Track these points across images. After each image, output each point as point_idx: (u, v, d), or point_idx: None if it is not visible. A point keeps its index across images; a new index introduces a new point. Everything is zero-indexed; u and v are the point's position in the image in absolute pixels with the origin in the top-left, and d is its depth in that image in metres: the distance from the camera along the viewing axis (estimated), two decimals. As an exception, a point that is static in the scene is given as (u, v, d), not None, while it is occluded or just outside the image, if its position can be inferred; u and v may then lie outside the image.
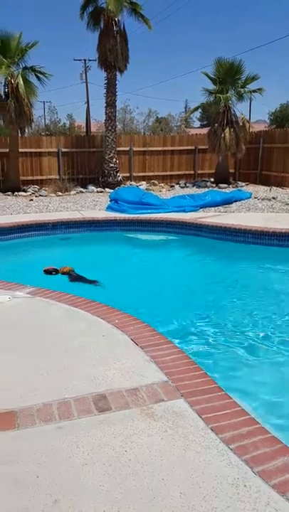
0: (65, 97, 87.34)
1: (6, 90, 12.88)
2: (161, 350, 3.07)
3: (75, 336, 3.37)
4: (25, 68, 13.09)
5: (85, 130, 37.61)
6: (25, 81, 12.73)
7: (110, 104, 14.75)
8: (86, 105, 38.54)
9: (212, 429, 2.20)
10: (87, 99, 39.41)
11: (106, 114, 14.84)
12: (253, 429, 2.21)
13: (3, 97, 12.86)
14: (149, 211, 10.01)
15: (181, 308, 5.10)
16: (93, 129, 36.48)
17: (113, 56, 13.97)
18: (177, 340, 3.99)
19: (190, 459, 2.01)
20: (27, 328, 3.57)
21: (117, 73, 14.61)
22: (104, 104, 14.83)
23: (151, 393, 2.53)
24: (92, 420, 2.29)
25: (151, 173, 16.42)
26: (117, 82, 14.79)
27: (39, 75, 13.34)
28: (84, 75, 39.12)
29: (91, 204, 11.21)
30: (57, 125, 45.11)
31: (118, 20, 14.07)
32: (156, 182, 16.07)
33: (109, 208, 10.53)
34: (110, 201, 11.19)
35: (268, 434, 2.17)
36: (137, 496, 1.79)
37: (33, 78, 13.29)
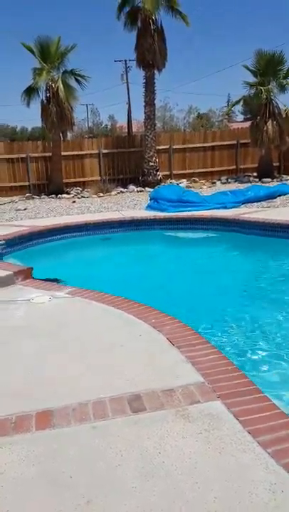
0: (108, 99, 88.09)
1: (48, 95, 13.17)
2: (197, 350, 3.01)
3: (111, 335, 3.39)
4: (64, 72, 13.35)
5: (126, 131, 37.88)
6: (65, 85, 12.99)
7: (149, 103, 14.76)
8: (127, 106, 38.80)
9: (249, 432, 2.13)
10: (128, 100, 39.61)
11: (145, 113, 14.87)
12: (292, 432, 2.13)
13: (45, 102, 13.15)
14: (190, 209, 9.92)
15: (223, 307, 5.00)
16: (134, 129, 36.62)
17: (151, 55, 13.96)
18: (217, 341, 3.94)
19: (225, 462, 1.95)
20: (67, 327, 3.62)
21: (156, 72, 14.62)
22: (144, 104, 14.85)
23: (187, 394, 2.49)
24: (126, 420, 2.28)
25: (191, 171, 16.28)
26: (155, 80, 14.80)
27: (78, 78, 13.56)
28: (125, 75, 39.41)
29: (131, 204, 11.27)
30: (99, 127, 45.69)
31: (155, 18, 14.04)
32: (196, 179, 15.92)
33: (149, 207, 10.53)
34: (150, 200, 11.19)
35: (308, 438, 2.08)
36: (169, 498, 1.77)
37: (72, 82, 13.57)
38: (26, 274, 5.04)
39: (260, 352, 3.82)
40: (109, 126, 46.76)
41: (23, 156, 14.26)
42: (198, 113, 42.58)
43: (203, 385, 2.59)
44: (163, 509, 1.72)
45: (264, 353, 3.80)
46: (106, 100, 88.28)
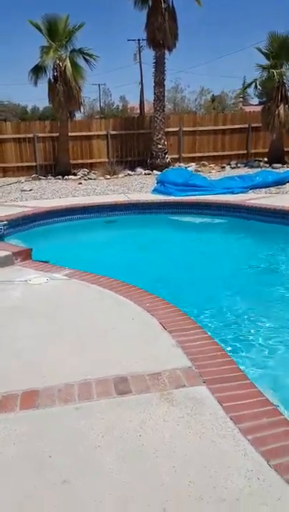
0: (120, 79, 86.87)
1: (55, 74, 13.01)
2: (189, 335, 3.01)
3: (105, 318, 3.39)
4: (73, 51, 13.15)
5: (138, 112, 37.41)
6: (73, 64, 12.80)
7: (159, 83, 14.52)
8: (140, 86, 38.22)
9: (231, 418, 2.13)
10: (141, 80, 38.97)
11: (154, 93, 14.64)
12: (275, 420, 2.12)
13: (52, 81, 12.99)
14: (196, 193, 9.83)
15: (225, 293, 4.96)
16: (146, 109, 36.18)
17: (161, 34, 13.68)
18: (216, 327, 3.92)
19: (204, 447, 1.95)
20: (61, 309, 3.63)
21: (166, 51, 14.33)
22: (153, 84, 14.62)
23: (174, 378, 2.49)
24: (110, 403, 2.29)
25: (200, 154, 16.09)
26: (165, 60, 14.52)
27: (87, 57, 13.36)
28: (138, 55, 38.72)
29: (138, 187, 11.19)
30: (111, 107, 45.19)
31: (166, -4, 13.72)
32: (206, 163, 15.74)
33: (156, 191, 10.45)
34: (157, 183, 11.09)
35: (290, 426, 2.07)
36: (145, 481, 1.78)
37: (81, 61, 13.37)
38: (25, 255, 5.05)
39: (261, 341, 3.79)
40: (120, 107, 46.25)
41: (30, 136, 14.19)
42: (213, 95, 41.86)
43: (190, 369, 2.58)
44: (137, 491, 1.73)
45: (267, 343, 3.77)
46: (118, 80, 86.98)
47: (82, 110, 15.66)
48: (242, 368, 2.69)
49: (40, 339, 3.08)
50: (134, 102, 44.72)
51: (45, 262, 5.38)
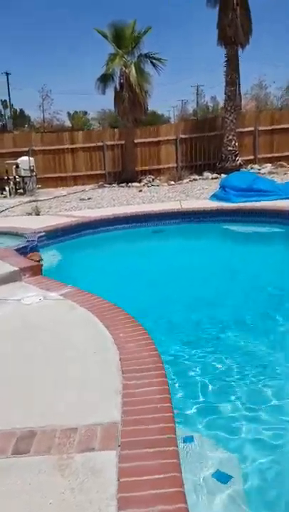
0: (214, 80, 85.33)
1: (121, 81, 13.01)
2: (141, 378, 2.58)
3: (69, 350, 3.07)
4: (139, 56, 13.04)
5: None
6: (138, 70, 12.69)
7: (230, 82, 13.83)
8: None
9: (118, 500, 1.69)
10: (238, 77, 37.67)
11: (225, 93, 13.99)
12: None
13: (118, 88, 13.01)
14: (258, 198, 9.08)
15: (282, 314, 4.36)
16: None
17: (232, 30, 13.01)
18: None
19: None
20: (30, 335, 3.38)
21: (239, 48, 13.59)
22: (224, 83, 13.97)
23: (87, 437, 2.09)
24: (-2, 464, 1.97)
25: (279, 154, 15.04)
26: (239, 58, 13.79)
27: (154, 61, 13.17)
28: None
29: (198, 193, 10.69)
30: (204, 109, 44.57)
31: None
32: (285, 164, 14.64)
33: (214, 197, 9.87)
34: (219, 188, 10.50)
35: None
36: None
37: (149, 67, 13.22)
38: (35, 270, 4.92)
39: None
40: (211, 108, 45.39)
41: (100, 144, 14.37)
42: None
43: (113, 426, 2.16)
44: None
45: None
46: (212, 81, 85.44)
47: (146, 116, 15.42)
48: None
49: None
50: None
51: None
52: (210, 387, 3.14)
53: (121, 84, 12.99)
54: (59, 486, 1.82)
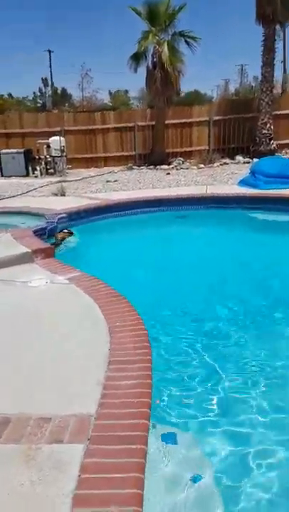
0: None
1: (154, 60, 12.72)
2: (127, 370, 2.55)
3: (64, 337, 3.07)
4: (173, 35, 12.68)
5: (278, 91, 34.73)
6: (171, 48, 12.34)
7: (267, 63, 13.27)
8: (282, 64, 35.39)
9: (72, 498, 1.68)
10: (284, 57, 36.05)
11: (262, 74, 13.44)
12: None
13: (151, 67, 12.73)
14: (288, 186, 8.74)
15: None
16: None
17: (271, 7, 12.37)
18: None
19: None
20: (27, 318, 3.41)
21: (277, 27, 12.97)
22: (261, 64, 13.39)
23: (59, 428, 2.09)
24: None
25: None
26: (276, 37, 13.17)
27: (189, 39, 12.77)
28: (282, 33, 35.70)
29: (226, 177, 10.42)
30: (247, 89, 43.09)
31: None
32: None
33: (242, 182, 9.59)
34: (249, 174, 10.19)
35: None
36: None
37: (183, 45, 12.83)
38: (47, 252, 4.95)
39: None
40: (254, 87, 43.84)
41: (131, 125, 14.20)
42: None
43: (87, 419, 2.15)
44: None
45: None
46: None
47: (178, 96, 15.05)
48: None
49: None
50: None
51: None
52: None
53: (154, 63, 12.70)
54: (21, 476, 1.82)
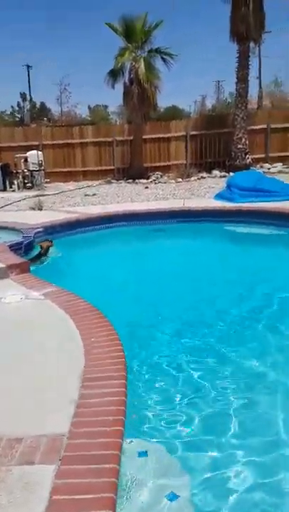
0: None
1: (131, 76, 12.89)
2: (102, 386, 2.52)
3: (33, 352, 3.03)
4: (150, 51, 12.90)
5: (253, 107, 35.49)
6: (147, 65, 12.55)
7: (242, 79, 13.60)
8: (257, 80, 36.22)
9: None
10: (259, 73, 36.90)
11: (237, 90, 13.77)
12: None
13: (128, 83, 12.90)
14: (263, 199, 8.91)
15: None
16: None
17: (244, 26, 12.74)
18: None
19: None
20: (2, 335, 3.36)
21: (251, 44, 13.35)
22: (235, 80, 13.72)
23: (31, 449, 2.05)
24: None
25: (292, 153, 14.72)
26: (251, 54, 13.55)
27: (165, 56, 13.00)
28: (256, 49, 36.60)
29: (203, 191, 10.56)
30: (223, 105, 43.92)
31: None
32: (296, 163, 14.36)
33: (219, 196, 9.73)
34: (225, 187, 10.35)
35: None
36: None
37: (159, 62, 13.06)
38: (22, 268, 4.90)
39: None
40: (229, 102, 44.69)
41: (110, 139, 14.30)
42: None
43: (60, 439, 2.11)
44: None
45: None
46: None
47: (155, 112, 15.29)
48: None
49: None
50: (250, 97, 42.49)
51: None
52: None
53: (130, 80, 12.87)
54: None
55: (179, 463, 2.40)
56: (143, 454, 2.41)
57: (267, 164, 14.16)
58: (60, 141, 14.53)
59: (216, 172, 13.47)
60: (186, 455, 2.47)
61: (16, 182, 13.52)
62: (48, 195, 11.54)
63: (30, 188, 13.30)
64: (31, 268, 5.14)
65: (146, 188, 11.80)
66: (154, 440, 2.58)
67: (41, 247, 6.38)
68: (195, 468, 2.35)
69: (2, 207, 10.01)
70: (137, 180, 13.02)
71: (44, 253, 6.34)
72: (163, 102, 46.15)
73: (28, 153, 13.45)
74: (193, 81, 68.55)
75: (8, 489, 1.82)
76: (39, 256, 6.25)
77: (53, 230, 7.26)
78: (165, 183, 12.65)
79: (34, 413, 2.34)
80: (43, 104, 45.83)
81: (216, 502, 2.15)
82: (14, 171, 13.65)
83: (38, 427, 2.20)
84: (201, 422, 2.75)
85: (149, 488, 2.18)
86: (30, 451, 2.04)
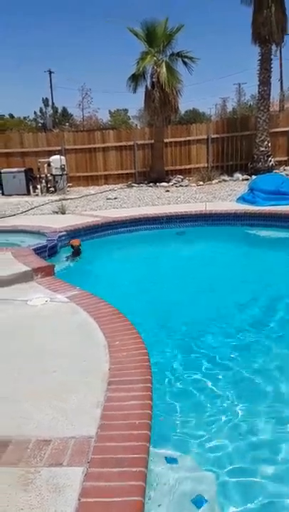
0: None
1: (153, 80, 12.93)
2: (126, 390, 2.53)
3: (57, 354, 3.05)
4: (171, 55, 12.92)
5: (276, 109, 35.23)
6: (169, 69, 12.56)
7: (264, 81, 13.48)
8: (279, 82, 35.91)
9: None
10: (281, 75, 36.56)
11: (259, 93, 13.66)
12: None
13: (149, 87, 12.94)
14: (286, 202, 8.81)
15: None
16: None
17: (266, 29, 12.65)
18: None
19: None
20: (24, 337, 3.39)
21: (273, 47, 13.23)
22: (257, 83, 13.62)
23: (58, 451, 2.07)
24: None
25: (315, 155, 14.52)
26: (272, 56, 13.42)
27: (186, 60, 13.01)
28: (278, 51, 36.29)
29: (225, 194, 10.49)
30: (244, 107, 43.62)
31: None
32: None
33: (241, 199, 9.65)
34: (247, 190, 10.26)
35: None
36: None
37: (180, 65, 13.06)
38: (47, 271, 4.96)
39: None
40: (251, 105, 44.33)
41: (131, 143, 14.36)
42: None
43: (87, 441, 2.12)
44: None
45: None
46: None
47: (177, 116, 15.28)
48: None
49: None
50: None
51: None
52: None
53: (152, 84, 12.92)
54: (20, 501, 1.80)
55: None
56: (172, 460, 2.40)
57: (290, 167, 14.01)
58: (83, 146, 14.67)
59: (238, 175, 13.38)
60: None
61: (39, 186, 13.71)
62: (71, 199, 11.66)
63: (53, 193, 13.47)
64: (56, 270, 5.21)
65: (167, 191, 11.80)
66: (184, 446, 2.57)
67: (72, 247, 6.52)
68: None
69: (26, 211, 10.16)
70: (157, 184, 13.03)
71: (76, 252, 6.46)
72: (183, 105, 46.09)
73: (51, 158, 13.62)
74: (214, 84, 68.35)
75: (38, 490, 1.84)
76: (73, 255, 6.46)
77: (76, 234, 7.32)
78: (186, 186, 12.62)
79: (61, 415, 2.36)
80: (64, 110, 46.36)
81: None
82: (38, 176, 13.85)
83: (65, 430, 2.22)
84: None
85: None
86: (58, 453, 2.06)
